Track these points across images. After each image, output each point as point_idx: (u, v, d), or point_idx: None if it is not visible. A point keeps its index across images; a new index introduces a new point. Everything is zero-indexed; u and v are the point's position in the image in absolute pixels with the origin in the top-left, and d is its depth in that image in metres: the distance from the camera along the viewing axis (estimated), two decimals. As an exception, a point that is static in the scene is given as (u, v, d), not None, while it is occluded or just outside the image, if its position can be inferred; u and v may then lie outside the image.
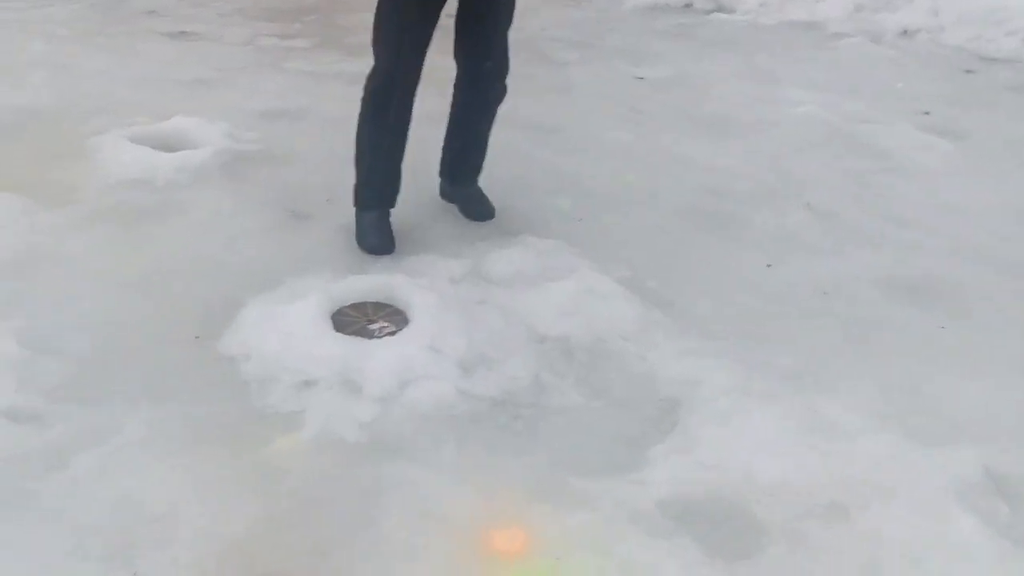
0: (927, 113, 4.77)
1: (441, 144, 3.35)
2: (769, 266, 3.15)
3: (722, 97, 4.91)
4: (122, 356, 2.49)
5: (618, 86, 5.07)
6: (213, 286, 2.83)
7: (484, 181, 3.41)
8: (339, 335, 2.55)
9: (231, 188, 3.49)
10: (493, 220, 3.35)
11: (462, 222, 3.35)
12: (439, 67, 3.13)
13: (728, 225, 3.47)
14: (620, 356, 2.60)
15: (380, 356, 2.46)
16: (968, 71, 5.66)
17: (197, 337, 2.59)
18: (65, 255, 2.97)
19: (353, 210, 3.15)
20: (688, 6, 6.93)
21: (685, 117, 4.62)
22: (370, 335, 2.59)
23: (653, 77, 5.23)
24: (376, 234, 3.09)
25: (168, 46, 5.42)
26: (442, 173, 3.46)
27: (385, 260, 3.03)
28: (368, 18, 2.96)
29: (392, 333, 2.59)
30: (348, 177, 3.12)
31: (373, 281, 2.82)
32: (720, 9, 6.84)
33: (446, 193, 3.47)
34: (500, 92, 3.21)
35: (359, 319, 2.66)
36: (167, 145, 3.71)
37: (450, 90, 3.23)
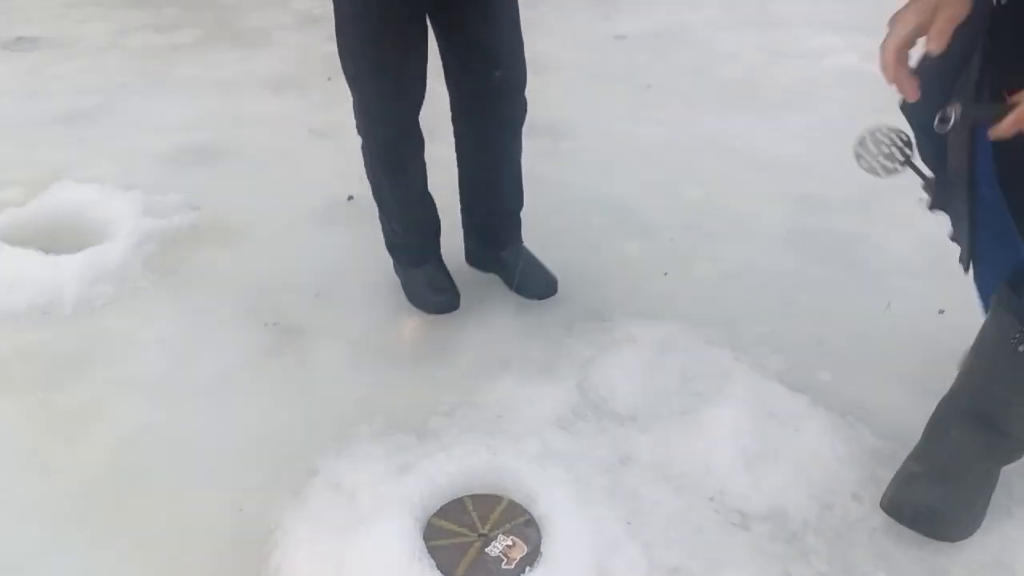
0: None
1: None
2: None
3: (733, 55, 4.02)
4: None
5: (604, 53, 4.09)
6: (211, 511, 1.80)
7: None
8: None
9: (173, 300, 2.40)
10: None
11: (514, 300, 2.39)
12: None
13: (847, 250, 2.63)
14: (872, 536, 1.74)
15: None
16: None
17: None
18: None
19: (364, 276, 2.39)
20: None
21: (706, 87, 3.72)
22: (495, 570, 1.64)
23: (636, 33, 4.27)
24: (435, 290, 2.37)
25: (4, 64, 4.08)
26: (468, 236, 2.48)
27: (451, 396, 2.05)
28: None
29: (530, 563, 1.64)
30: (329, 243, 2.30)
31: (459, 449, 1.85)
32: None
33: (477, 258, 2.50)
34: (521, 109, 2.24)
35: (466, 537, 1.70)
36: (58, 239, 2.56)
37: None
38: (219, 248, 2.59)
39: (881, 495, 1.72)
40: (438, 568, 1.62)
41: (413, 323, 2.33)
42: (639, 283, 2.44)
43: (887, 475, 1.73)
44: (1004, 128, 1.24)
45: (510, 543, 1.67)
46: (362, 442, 1.93)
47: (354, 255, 2.48)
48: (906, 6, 1.29)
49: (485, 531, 1.70)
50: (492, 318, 2.32)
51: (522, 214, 2.40)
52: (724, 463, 1.85)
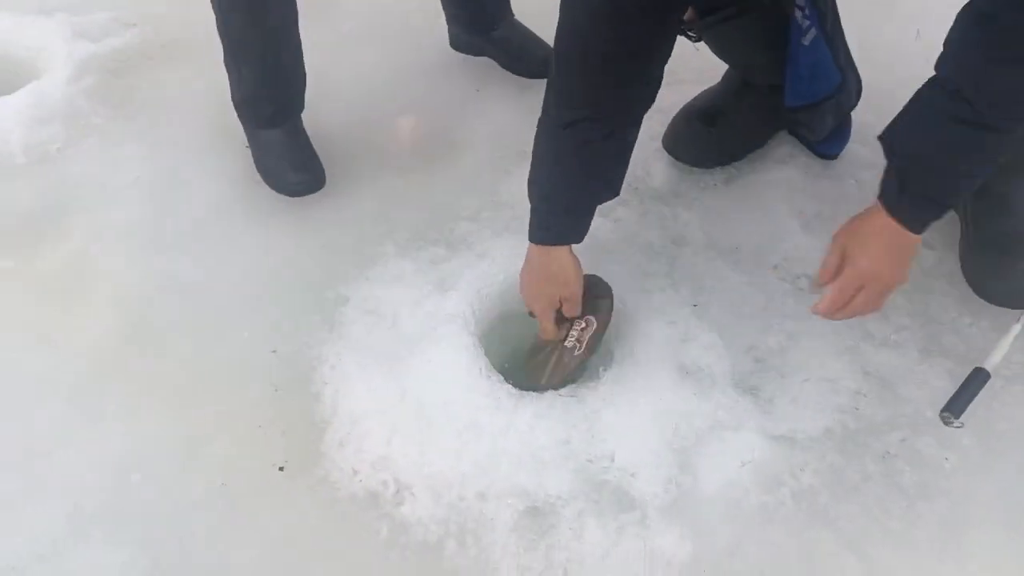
0: None
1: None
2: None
3: None
4: None
5: None
6: (242, 358, 1.65)
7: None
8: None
9: (136, 134, 2.11)
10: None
11: (514, 83, 2.15)
12: None
13: None
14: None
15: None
16: None
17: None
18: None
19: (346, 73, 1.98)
20: None
21: None
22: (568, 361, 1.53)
23: None
24: (292, 165, 1.92)
25: None
26: (453, 21, 2.20)
27: (472, 198, 1.87)
28: None
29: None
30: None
31: (499, 255, 1.69)
32: None
33: (464, 43, 2.23)
34: None
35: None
36: (-15, 81, 2.23)
37: None
38: (170, 67, 2.28)
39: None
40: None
41: (409, 123, 2.10)
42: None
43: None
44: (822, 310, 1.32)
45: (583, 325, 1.55)
46: (390, 260, 1.77)
47: (332, 52, 2.20)
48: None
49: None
50: (495, 106, 2.11)
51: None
52: (782, 229, 1.72)
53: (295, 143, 1.92)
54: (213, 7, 1.78)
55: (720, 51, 1.75)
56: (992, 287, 1.58)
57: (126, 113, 2.16)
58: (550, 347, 1.54)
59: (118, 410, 1.58)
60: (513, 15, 2.18)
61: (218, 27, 1.80)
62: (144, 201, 1.95)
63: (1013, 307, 1.56)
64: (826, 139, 1.73)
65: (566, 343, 1.52)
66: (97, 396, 1.59)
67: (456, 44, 2.23)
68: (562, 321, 1.54)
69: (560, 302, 1.50)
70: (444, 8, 2.18)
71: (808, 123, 1.72)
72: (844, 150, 1.84)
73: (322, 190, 1.91)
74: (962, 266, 1.64)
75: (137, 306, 1.74)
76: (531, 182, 1.45)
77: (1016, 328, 1.52)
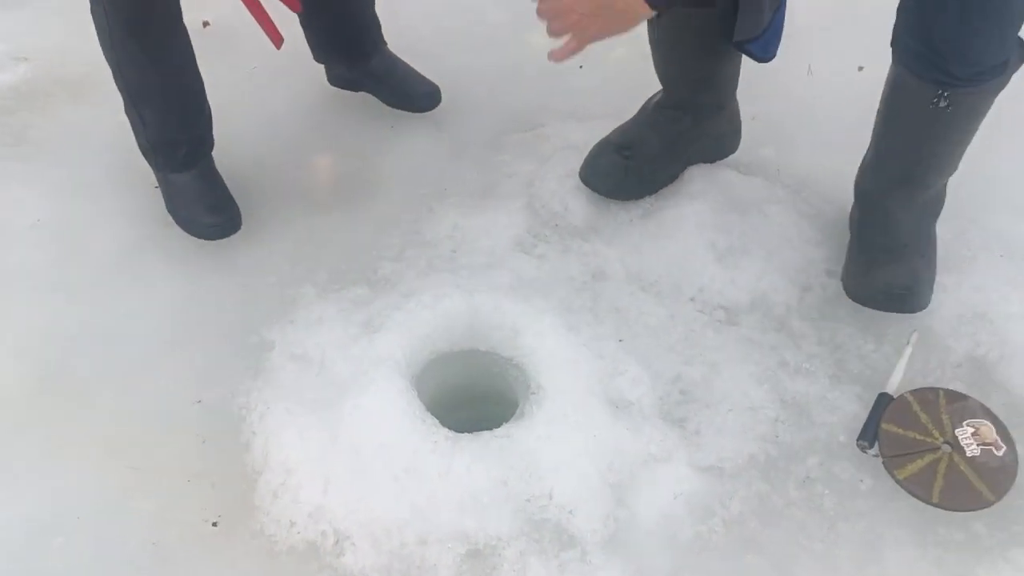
0: None
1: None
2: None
3: None
4: None
5: None
6: (165, 409, 1.60)
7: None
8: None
9: (34, 174, 2.03)
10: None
11: (426, 122, 2.15)
12: None
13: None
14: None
15: None
16: None
17: None
18: None
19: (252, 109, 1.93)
20: None
21: None
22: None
23: None
24: (208, 208, 1.87)
25: None
26: (321, 54, 2.14)
27: (394, 237, 1.87)
28: None
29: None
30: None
31: (427, 295, 1.70)
32: None
33: (342, 78, 2.16)
34: None
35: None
36: None
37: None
38: (69, 103, 2.20)
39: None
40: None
41: (325, 162, 2.09)
42: (557, 80, 2.26)
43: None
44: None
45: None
46: (312, 303, 1.75)
47: (238, 90, 2.17)
48: None
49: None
50: (412, 144, 2.11)
51: (394, 20, 2.13)
52: (697, 262, 1.79)
53: (209, 185, 1.88)
54: (106, 57, 1.72)
55: None
56: (857, 288, 1.71)
57: (21, 153, 2.07)
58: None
59: (31, 466, 1.51)
60: (386, 44, 2.14)
61: (115, 77, 1.75)
62: (46, 244, 1.88)
63: (875, 307, 1.70)
64: (760, 37, 1.63)
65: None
66: (5, 452, 1.52)
67: (333, 80, 2.18)
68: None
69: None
70: (309, 42, 2.10)
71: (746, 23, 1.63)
72: (751, 182, 1.93)
73: (236, 232, 1.88)
74: (842, 273, 1.75)
75: (45, 356, 1.68)
76: None
77: (908, 350, 1.63)
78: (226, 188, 1.89)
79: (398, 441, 1.46)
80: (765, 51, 1.70)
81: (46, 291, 1.78)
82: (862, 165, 1.75)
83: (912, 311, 1.68)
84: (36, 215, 1.93)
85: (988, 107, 1.55)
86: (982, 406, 1.56)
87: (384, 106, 2.15)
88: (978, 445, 1.50)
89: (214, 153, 1.91)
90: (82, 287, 1.79)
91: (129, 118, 1.81)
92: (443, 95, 2.12)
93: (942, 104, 1.49)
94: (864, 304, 1.71)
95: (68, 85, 2.24)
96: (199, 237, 1.85)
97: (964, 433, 1.51)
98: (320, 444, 1.49)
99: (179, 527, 1.43)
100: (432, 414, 1.53)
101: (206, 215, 1.85)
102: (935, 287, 1.71)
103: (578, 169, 1.90)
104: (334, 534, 1.41)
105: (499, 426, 1.52)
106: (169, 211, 1.89)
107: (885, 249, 1.70)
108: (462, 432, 1.50)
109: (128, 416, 1.58)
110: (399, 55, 2.14)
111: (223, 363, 1.65)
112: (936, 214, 1.76)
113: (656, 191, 1.90)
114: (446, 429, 1.49)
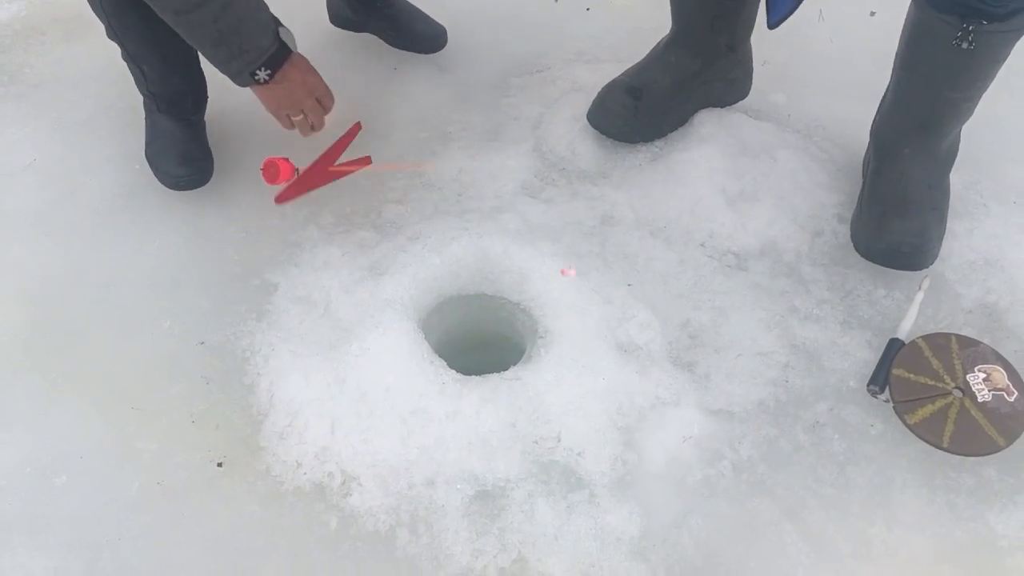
0: None
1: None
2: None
3: None
4: None
5: None
6: (167, 350, 1.58)
7: None
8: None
9: (29, 114, 1.99)
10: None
11: (430, 64, 2.11)
12: None
13: None
14: None
15: None
16: None
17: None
18: None
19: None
20: None
21: None
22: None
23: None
24: (179, 157, 1.81)
25: None
26: None
27: (398, 179, 1.84)
28: None
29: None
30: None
31: (433, 238, 1.67)
32: None
33: (345, 20, 2.13)
34: None
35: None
36: None
37: None
38: (64, 42, 2.15)
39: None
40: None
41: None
42: (564, 23, 2.21)
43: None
44: None
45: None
46: (316, 246, 1.72)
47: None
48: None
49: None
50: (415, 87, 2.06)
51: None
52: (707, 207, 1.76)
53: (191, 134, 1.83)
54: (97, 14, 1.64)
55: None
56: (867, 243, 1.65)
57: (16, 91, 2.02)
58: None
59: (31, 408, 1.49)
60: None
61: (108, 33, 1.68)
62: (43, 186, 1.84)
63: (883, 264, 1.65)
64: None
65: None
66: (4, 395, 1.50)
67: (336, 20, 2.13)
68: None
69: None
70: None
71: None
72: (761, 127, 1.90)
73: (238, 172, 1.84)
74: (851, 222, 1.71)
75: (46, 299, 1.65)
76: None
77: (919, 296, 1.61)
78: (206, 142, 1.84)
79: (405, 383, 1.45)
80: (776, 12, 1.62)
81: (43, 233, 1.75)
82: (879, 110, 1.72)
83: (918, 269, 1.65)
84: (31, 156, 1.89)
85: (1009, 51, 1.51)
86: (994, 352, 1.54)
87: (387, 48, 2.11)
88: (990, 391, 1.49)
89: (213, 95, 1.86)
90: (80, 229, 1.75)
91: (128, 66, 1.76)
92: (447, 37, 2.07)
93: (964, 45, 1.45)
94: (871, 260, 1.66)
95: (63, 23, 2.19)
96: (165, 185, 1.81)
97: (976, 379, 1.50)
98: (326, 385, 1.47)
99: (184, 468, 1.42)
100: (441, 356, 1.51)
101: (176, 165, 1.80)
102: (946, 234, 1.68)
103: (586, 112, 1.87)
104: (341, 475, 1.40)
105: (507, 369, 1.50)
106: (146, 156, 1.84)
107: (897, 200, 1.66)
108: (470, 375, 1.48)
109: (129, 358, 1.56)
110: (403, -4, 2.09)
111: (225, 305, 1.63)
112: (950, 166, 1.72)
113: (665, 134, 1.87)
114: (454, 371, 1.47)
